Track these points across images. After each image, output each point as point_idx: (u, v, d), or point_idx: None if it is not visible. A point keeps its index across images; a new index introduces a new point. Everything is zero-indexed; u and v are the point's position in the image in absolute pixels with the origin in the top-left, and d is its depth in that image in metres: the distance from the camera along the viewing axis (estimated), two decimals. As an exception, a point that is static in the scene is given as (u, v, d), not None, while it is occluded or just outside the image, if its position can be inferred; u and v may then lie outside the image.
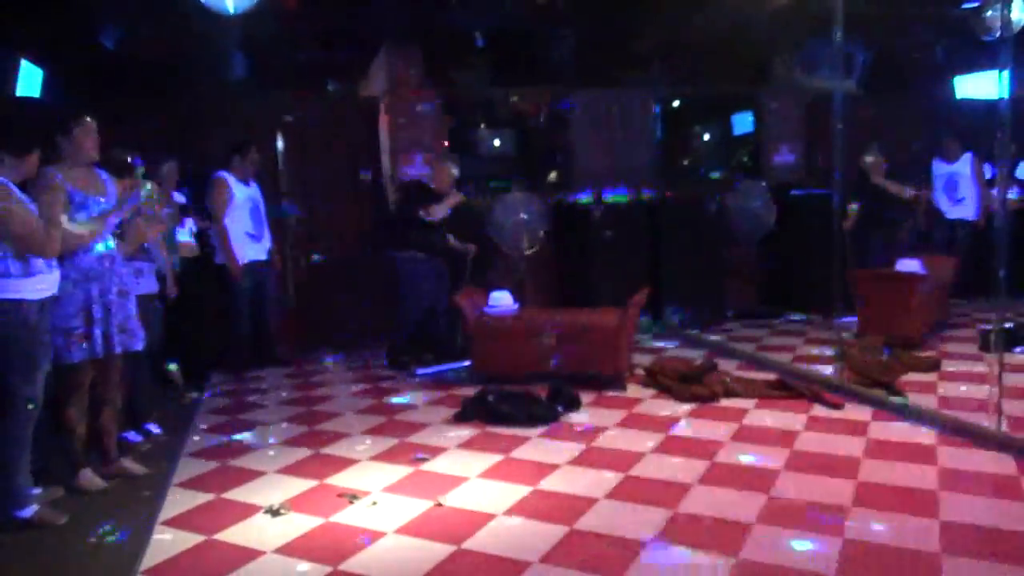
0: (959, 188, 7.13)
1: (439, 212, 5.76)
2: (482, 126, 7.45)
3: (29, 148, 3.25)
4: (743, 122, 8.19)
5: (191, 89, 6.53)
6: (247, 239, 5.81)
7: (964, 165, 7.09)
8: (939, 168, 7.22)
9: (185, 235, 5.35)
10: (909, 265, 5.93)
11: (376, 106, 6.98)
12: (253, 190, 5.92)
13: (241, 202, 5.78)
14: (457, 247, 5.98)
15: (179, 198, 5.38)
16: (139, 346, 3.73)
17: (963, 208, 7.13)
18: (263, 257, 5.95)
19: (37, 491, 3.35)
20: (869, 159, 6.61)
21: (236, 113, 6.47)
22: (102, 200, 3.57)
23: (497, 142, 7.47)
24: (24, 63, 5.93)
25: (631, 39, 7.15)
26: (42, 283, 3.20)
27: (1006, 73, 3.91)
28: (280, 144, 6.64)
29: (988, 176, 7.17)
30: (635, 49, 7.29)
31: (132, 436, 4.28)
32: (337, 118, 6.83)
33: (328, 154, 6.75)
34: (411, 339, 5.94)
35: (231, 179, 5.76)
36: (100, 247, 3.54)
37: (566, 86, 7.25)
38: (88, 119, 3.55)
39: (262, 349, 6.11)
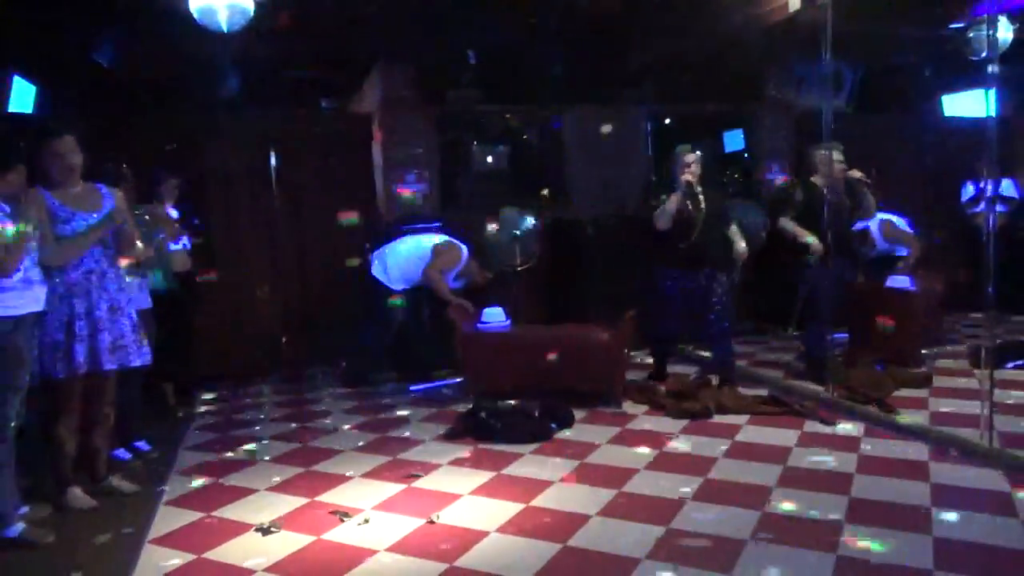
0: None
1: (664, 222, 4.96)
2: (475, 143, 7.48)
3: (6, 165, 3.19)
4: (734, 140, 8.25)
5: (185, 106, 6.53)
6: None
7: (875, 223, 6.22)
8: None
9: (179, 248, 5.33)
10: (900, 281, 5.97)
11: (369, 123, 7.01)
12: None
13: None
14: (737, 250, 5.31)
15: (175, 214, 5.37)
16: (137, 362, 3.65)
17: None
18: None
19: (25, 509, 3.31)
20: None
21: (230, 130, 6.48)
22: (94, 216, 3.52)
23: (490, 159, 7.50)
24: (17, 80, 5.93)
25: (622, 57, 7.21)
26: (17, 299, 3.08)
27: (992, 92, 3.96)
28: (273, 161, 6.65)
29: (972, 195, 7.15)
30: (626, 67, 7.34)
31: (121, 454, 4.24)
32: (331, 135, 6.85)
33: (322, 171, 6.75)
34: (660, 352, 5.71)
35: None
36: (89, 262, 3.49)
37: (558, 104, 7.31)
38: (61, 134, 3.46)
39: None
